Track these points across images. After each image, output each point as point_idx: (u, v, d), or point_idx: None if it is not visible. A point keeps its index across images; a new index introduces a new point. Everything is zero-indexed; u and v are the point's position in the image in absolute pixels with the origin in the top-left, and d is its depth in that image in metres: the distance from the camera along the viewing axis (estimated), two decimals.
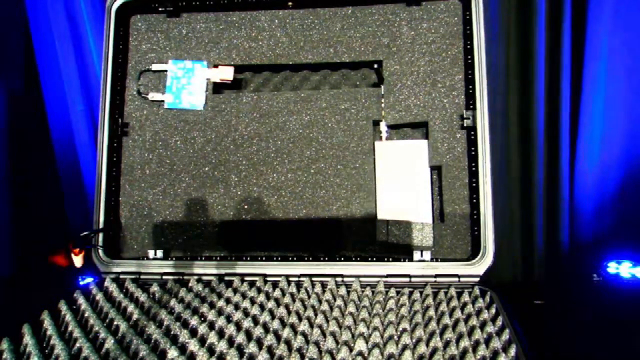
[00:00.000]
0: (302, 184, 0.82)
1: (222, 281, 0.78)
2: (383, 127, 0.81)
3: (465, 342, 0.57)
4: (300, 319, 0.66)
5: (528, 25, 1.02)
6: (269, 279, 0.78)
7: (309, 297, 0.72)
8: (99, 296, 0.74)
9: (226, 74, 0.83)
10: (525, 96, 1.03)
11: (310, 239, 0.81)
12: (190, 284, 0.77)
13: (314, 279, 0.76)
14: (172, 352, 0.59)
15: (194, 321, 0.66)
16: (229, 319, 0.66)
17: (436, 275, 0.75)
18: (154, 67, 0.85)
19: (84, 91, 1.46)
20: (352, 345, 0.59)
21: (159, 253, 0.84)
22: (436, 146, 0.79)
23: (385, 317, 0.65)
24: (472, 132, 0.76)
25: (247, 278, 0.78)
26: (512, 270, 1.15)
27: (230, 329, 0.62)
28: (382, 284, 0.74)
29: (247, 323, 0.64)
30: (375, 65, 0.81)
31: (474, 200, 0.76)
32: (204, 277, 0.79)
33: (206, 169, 0.84)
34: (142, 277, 0.81)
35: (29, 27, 1.31)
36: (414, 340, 0.60)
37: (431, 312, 0.65)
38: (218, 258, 0.83)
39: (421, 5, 0.80)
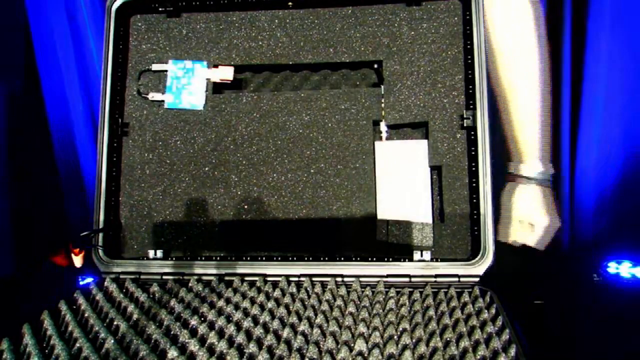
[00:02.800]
0: (302, 184, 0.82)
1: (222, 281, 0.78)
2: (383, 127, 0.81)
3: (465, 342, 0.57)
4: (300, 319, 0.66)
5: None
6: (269, 279, 0.78)
7: (309, 297, 0.72)
8: (99, 296, 0.74)
9: (226, 74, 0.83)
10: None
11: (310, 239, 0.81)
12: (190, 284, 0.77)
13: (314, 279, 0.76)
14: (172, 352, 0.59)
15: (194, 321, 0.66)
16: (229, 319, 0.66)
17: (436, 275, 0.75)
18: (154, 67, 0.85)
19: (84, 91, 1.46)
20: (352, 345, 0.59)
21: (159, 253, 0.84)
22: (436, 146, 0.79)
23: (385, 317, 0.65)
24: (472, 132, 0.76)
25: (247, 278, 0.78)
26: (513, 270, 1.15)
27: (230, 329, 0.63)
28: (382, 284, 0.74)
29: (247, 323, 0.64)
30: (375, 65, 0.81)
31: (474, 200, 0.76)
32: (204, 277, 0.79)
33: (206, 169, 0.84)
34: (142, 277, 0.81)
35: (29, 27, 1.31)
36: (414, 340, 0.60)
37: (431, 312, 0.65)
38: (218, 258, 0.83)
39: (421, 5, 0.80)
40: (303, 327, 0.63)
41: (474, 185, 0.76)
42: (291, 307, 0.68)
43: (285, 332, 0.62)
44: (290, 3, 0.83)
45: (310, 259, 0.80)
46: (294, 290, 0.73)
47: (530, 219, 0.91)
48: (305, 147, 0.82)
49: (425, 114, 0.79)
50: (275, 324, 0.64)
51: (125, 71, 0.86)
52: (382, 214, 0.80)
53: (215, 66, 0.84)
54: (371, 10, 0.82)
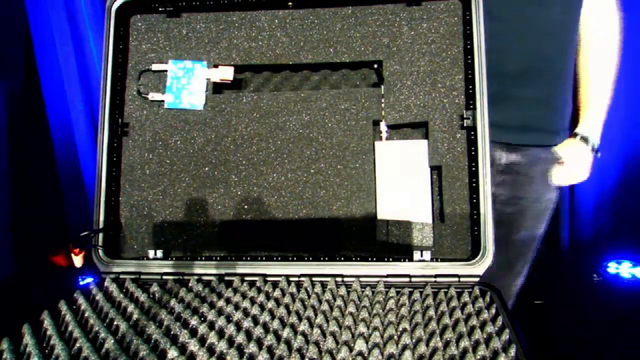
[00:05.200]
0: (302, 184, 0.82)
1: (222, 281, 0.78)
2: (383, 127, 0.81)
3: (465, 342, 0.57)
4: (300, 319, 0.66)
5: None
6: (269, 279, 0.78)
7: (309, 297, 0.72)
8: (99, 296, 0.74)
9: (226, 74, 0.83)
10: None
11: (310, 239, 0.81)
12: (190, 284, 0.77)
13: (314, 279, 0.76)
14: (172, 352, 0.59)
15: (194, 321, 0.66)
16: (229, 319, 0.66)
17: (436, 275, 0.75)
18: (154, 67, 0.85)
19: (84, 91, 1.46)
20: (352, 345, 0.59)
21: (159, 253, 0.84)
22: (436, 146, 0.79)
23: (385, 317, 0.65)
24: (472, 132, 0.76)
25: (247, 278, 0.78)
26: None
27: (230, 329, 0.63)
28: (382, 284, 0.74)
29: (247, 323, 0.64)
30: (375, 65, 0.81)
31: (474, 200, 0.76)
32: (204, 277, 0.79)
33: (206, 169, 0.84)
34: (142, 277, 0.81)
35: (29, 27, 1.31)
36: (414, 340, 0.60)
37: (431, 312, 0.65)
38: (218, 258, 0.83)
39: (421, 5, 0.80)
40: (303, 327, 0.63)
41: (474, 185, 0.76)
42: (291, 307, 0.69)
43: (285, 332, 0.62)
44: (290, 3, 0.83)
45: (310, 259, 0.80)
46: (294, 290, 0.73)
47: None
48: (305, 147, 0.82)
49: (425, 114, 0.79)
50: (275, 324, 0.64)
51: (125, 71, 0.86)
52: (382, 214, 0.80)
53: (215, 66, 0.84)
54: (371, 10, 0.82)
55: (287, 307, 0.68)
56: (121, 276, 0.80)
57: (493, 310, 0.65)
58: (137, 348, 0.60)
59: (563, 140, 0.99)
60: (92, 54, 1.45)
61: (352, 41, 0.82)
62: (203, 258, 0.83)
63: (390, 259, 0.78)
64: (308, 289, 0.74)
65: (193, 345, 0.59)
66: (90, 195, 1.29)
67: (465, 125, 0.77)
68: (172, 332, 0.64)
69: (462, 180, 0.78)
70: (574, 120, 1.00)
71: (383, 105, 0.81)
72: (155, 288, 0.75)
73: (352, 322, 0.64)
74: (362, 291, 0.74)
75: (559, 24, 0.93)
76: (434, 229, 0.78)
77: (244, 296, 0.73)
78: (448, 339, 0.59)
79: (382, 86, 0.81)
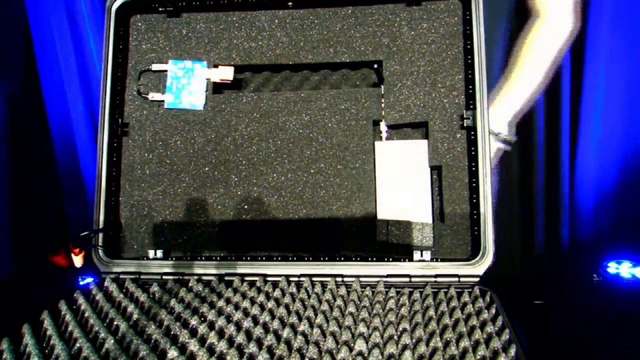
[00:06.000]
0: (302, 184, 0.82)
1: (222, 281, 0.78)
2: (383, 127, 0.81)
3: (465, 342, 0.58)
4: (300, 319, 0.66)
5: None
6: (269, 279, 0.78)
7: (309, 297, 0.72)
8: (99, 296, 0.74)
9: (226, 74, 0.83)
10: None
11: (310, 239, 0.81)
12: (190, 284, 0.77)
13: (314, 279, 0.76)
14: (172, 352, 0.59)
15: (194, 321, 0.66)
16: (229, 319, 0.66)
17: (436, 275, 0.75)
18: (154, 67, 0.85)
19: (84, 91, 1.46)
20: (352, 345, 0.59)
21: (159, 253, 0.84)
22: (436, 146, 0.79)
23: (385, 317, 0.65)
24: (472, 132, 0.76)
25: (247, 278, 0.78)
26: (512, 270, 1.15)
27: (230, 329, 0.63)
28: (382, 284, 0.74)
29: (247, 323, 0.64)
30: (375, 65, 0.81)
31: (474, 200, 0.76)
32: (204, 277, 0.79)
33: (206, 169, 0.84)
34: (142, 277, 0.81)
35: (29, 27, 1.31)
36: (414, 340, 0.60)
37: (431, 312, 0.65)
38: (218, 258, 0.83)
39: (421, 5, 0.80)
40: (303, 327, 0.63)
41: (474, 185, 0.76)
42: (291, 307, 0.69)
43: (285, 332, 0.62)
44: (290, 3, 0.83)
45: (310, 259, 0.80)
46: (294, 290, 0.73)
47: None
48: (305, 147, 0.82)
49: (425, 114, 0.79)
50: (275, 324, 0.64)
51: (125, 71, 0.86)
52: (382, 214, 0.80)
53: (215, 66, 0.84)
54: (371, 10, 0.82)
55: (287, 307, 0.68)
56: (121, 276, 0.80)
57: (493, 310, 0.65)
58: (137, 348, 0.60)
59: None
60: (92, 54, 1.44)
61: (352, 41, 0.82)
62: (203, 258, 0.83)
63: (390, 259, 0.78)
64: (308, 289, 0.74)
65: (193, 345, 0.59)
66: (90, 195, 1.29)
67: (465, 125, 0.77)
68: (172, 332, 0.64)
69: (462, 180, 0.78)
70: None
71: (383, 105, 0.81)
72: (155, 288, 0.75)
73: (352, 322, 0.64)
74: (362, 291, 0.74)
75: None
76: (434, 229, 0.78)
77: (244, 296, 0.73)
78: (448, 339, 0.59)
79: (382, 86, 0.81)
